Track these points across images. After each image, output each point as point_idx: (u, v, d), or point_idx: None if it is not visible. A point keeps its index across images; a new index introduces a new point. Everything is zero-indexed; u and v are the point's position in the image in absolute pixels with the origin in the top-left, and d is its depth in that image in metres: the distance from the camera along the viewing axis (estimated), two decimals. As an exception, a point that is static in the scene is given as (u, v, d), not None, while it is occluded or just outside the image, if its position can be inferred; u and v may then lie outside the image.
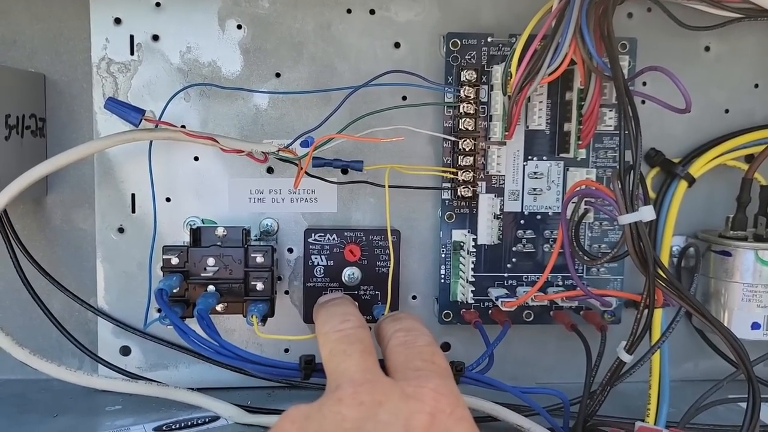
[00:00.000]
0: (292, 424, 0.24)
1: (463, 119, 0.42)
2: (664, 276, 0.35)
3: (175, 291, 0.38)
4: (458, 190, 0.43)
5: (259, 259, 0.39)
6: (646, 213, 0.34)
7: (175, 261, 0.39)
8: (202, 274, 0.39)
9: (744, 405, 0.35)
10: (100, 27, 0.42)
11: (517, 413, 0.39)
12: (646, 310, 0.36)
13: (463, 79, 0.41)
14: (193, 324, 0.36)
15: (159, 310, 0.42)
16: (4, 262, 0.42)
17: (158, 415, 0.41)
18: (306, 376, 0.34)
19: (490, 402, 0.39)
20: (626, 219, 0.34)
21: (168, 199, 0.43)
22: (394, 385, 0.25)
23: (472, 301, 0.44)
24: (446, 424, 0.23)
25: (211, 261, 0.39)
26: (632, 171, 0.35)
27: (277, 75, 0.43)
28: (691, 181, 0.44)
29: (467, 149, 0.42)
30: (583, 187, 0.39)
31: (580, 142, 0.42)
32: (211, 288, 0.39)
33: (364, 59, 0.43)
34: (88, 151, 0.39)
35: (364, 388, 0.25)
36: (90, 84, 0.42)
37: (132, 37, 0.42)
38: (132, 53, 0.42)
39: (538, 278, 0.43)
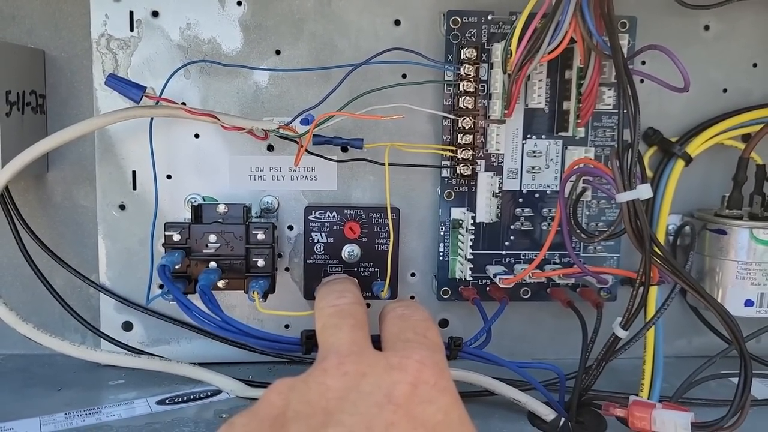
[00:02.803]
0: (278, 396, 0.24)
1: (463, 97, 0.42)
2: (660, 253, 0.36)
3: (177, 267, 0.39)
4: (457, 168, 0.43)
5: (260, 236, 0.40)
6: (644, 191, 0.34)
7: (176, 237, 0.39)
8: (204, 251, 0.39)
9: (735, 380, 0.36)
10: (100, 3, 0.41)
11: (513, 387, 0.40)
12: (641, 287, 0.36)
13: (463, 57, 0.41)
14: (194, 300, 0.37)
15: (161, 286, 0.43)
16: (6, 238, 0.43)
17: (161, 389, 0.42)
18: (307, 351, 0.35)
19: (487, 376, 0.40)
20: (624, 197, 0.35)
21: (169, 176, 0.43)
22: (380, 357, 0.25)
23: (471, 278, 0.44)
24: (429, 395, 0.23)
25: (212, 238, 0.39)
26: (630, 149, 0.35)
27: (277, 52, 0.43)
28: (688, 160, 0.45)
29: (467, 127, 0.42)
30: (582, 165, 0.39)
31: (578, 121, 0.42)
32: (212, 264, 0.39)
33: (364, 36, 0.43)
34: (89, 127, 0.39)
35: (350, 359, 0.25)
36: (90, 60, 0.42)
37: (131, 13, 0.42)
38: (132, 29, 0.42)
39: (535, 256, 0.43)
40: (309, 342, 0.34)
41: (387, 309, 0.31)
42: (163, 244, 0.40)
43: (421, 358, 0.24)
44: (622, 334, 0.38)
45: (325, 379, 0.24)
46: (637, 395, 0.39)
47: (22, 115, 0.41)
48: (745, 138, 0.46)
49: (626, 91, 0.36)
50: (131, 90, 0.38)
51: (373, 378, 0.24)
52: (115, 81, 0.38)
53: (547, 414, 0.38)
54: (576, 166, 0.39)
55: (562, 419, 0.38)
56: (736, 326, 0.35)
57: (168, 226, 0.39)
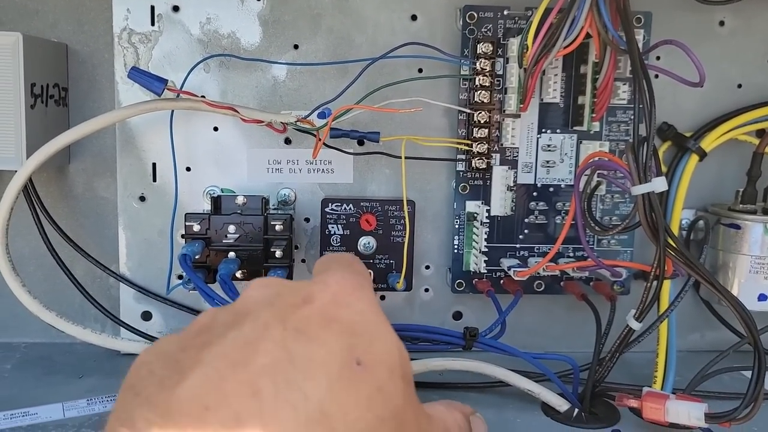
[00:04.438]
0: (205, 315, 0.23)
1: (479, 92, 0.42)
2: (675, 245, 0.36)
3: (197, 257, 0.39)
4: (472, 161, 0.43)
5: (279, 227, 0.40)
6: (659, 184, 0.35)
7: (197, 228, 0.40)
8: (224, 241, 0.40)
9: (747, 374, 0.36)
10: (122, -3, 0.42)
11: (527, 378, 0.40)
12: (655, 280, 0.37)
13: (479, 51, 0.42)
14: (214, 289, 0.37)
15: (180, 277, 0.44)
16: (29, 229, 0.43)
17: (180, 377, 0.42)
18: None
19: (502, 368, 0.40)
20: (639, 189, 0.35)
21: (188, 169, 0.44)
22: (304, 280, 0.25)
23: (485, 271, 0.44)
24: (346, 300, 0.23)
25: (232, 228, 0.40)
26: (645, 143, 0.36)
27: (296, 46, 0.44)
28: (703, 155, 0.45)
29: (482, 121, 0.43)
30: (597, 158, 0.39)
31: (593, 115, 0.43)
32: (231, 254, 0.40)
33: (381, 31, 0.44)
34: (112, 119, 0.40)
35: (276, 278, 0.25)
36: (111, 54, 0.43)
37: (153, 7, 0.42)
38: (153, 24, 0.43)
39: (549, 249, 0.44)
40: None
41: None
42: (182, 235, 0.41)
43: (343, 275, 0.24)
44: (636, 326, 0.38)
45: (250, 291, 0.24)
46: (650, 387, 0.39)
47: (45, 107, 0.42)
48: (760, 133, 0.46)
49: (642, 86, 0.36)
50: (153, 83, 0.39)
51: (294, 288, 0.23)
52: (137, 74, 0.39)
53: (561, 405, 0.39)
54: (591, 159, 0.39)
55: (576, 410, 0.38)
56: (751, 319, 0.35)
57: (188, 216, 0.40)
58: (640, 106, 0.36)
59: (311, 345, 0.20)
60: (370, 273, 0.28)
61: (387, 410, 0.21)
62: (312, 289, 0.23)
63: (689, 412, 0.34)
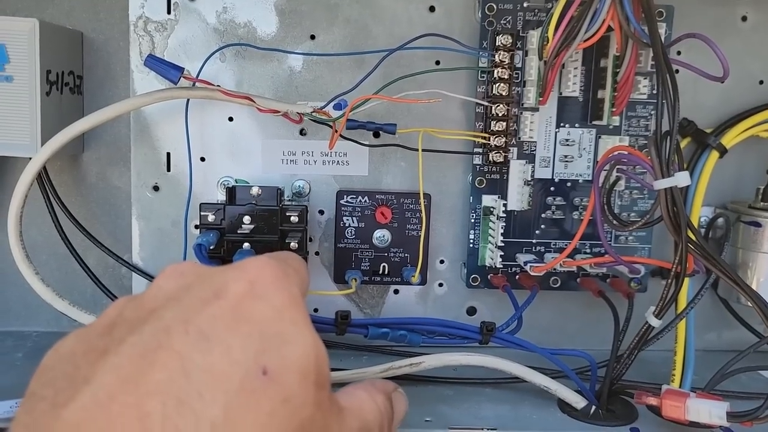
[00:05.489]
0: (114, 308, 0.22)
1: (497, 84, 0.42)
2: (697, 241, 0.36)
3: (211, 248, 0.39)
4: (490, 155, 0.43)
5: (294, 218, 0.40)
6: (682, 178, 0.34)
7: (211, 218, 0.39)
8: (239, 232, 0.40)
9: (765, 374, 0.36)
10: (138, -15, 0.42)
11: (543, 375, 0.39)
12: (676, 276, 0.36)
13: (498, 43, 0.41)
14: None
15: (194, 267, 0.43)
16: (43, 217, 0.43)
17: (192, 368, 0.42)
18: (341, 332, 0.35)
19: (517, 364, 0.40)
20: (662, 184, 0.34)
21: (202, 159, 0.44)
22: (224, 266, 0.23)
23: (501, 266, 0.44)
24: (263, 291, 0.21)
25: (247, 219, 0.40)
26: (668, 137, 0.35)
27: (312, 37, 0.43)
28: (723, 151, 0.44)
29: (500, 114, 0.42)
30: (618, 152, 0.39)
31: (613, 110, 0.42)
32: (246, 245, 0.40)
33: (398, 22, 0.43)
34: (127, 108, 0.39)
35: (191, 264, 0.23)
36: (127, 42, 0.43)
37: (169, -5, 0.42)
38: (169, 12, 0.42)
39: (565, 245, 0.43)
40: (343, 323, 0.35)
41: None
42: (196, 226, 0.40)
43: (266, 262, 0.22)
44: (655, 323, 0.37)
45: (161, 281, 0.23)
46: (669, 385, 0.39)
47: (60, 94, 0.42)
48: (781, 131, 0.46)
49: (665, 79, 0.35)
50: (170, 71, 0.38)
51: (209, 278, 0.22)
52: (154, 61, 0.39)
53: (578, 402, 0.38)
54: (612, 154, 0.39)
55: (593, 407, 0.38)
56: (773, 317, 0.35)
57: (203, 206, 0.40)
58: (663, 100, 0.35)
59: (212, 354, 0.19)
60: (305, 270, 0.26)
61: (292, 423, 0.20)
62: (227, 278, 0.21)
63: (710, 410, 0.34)
